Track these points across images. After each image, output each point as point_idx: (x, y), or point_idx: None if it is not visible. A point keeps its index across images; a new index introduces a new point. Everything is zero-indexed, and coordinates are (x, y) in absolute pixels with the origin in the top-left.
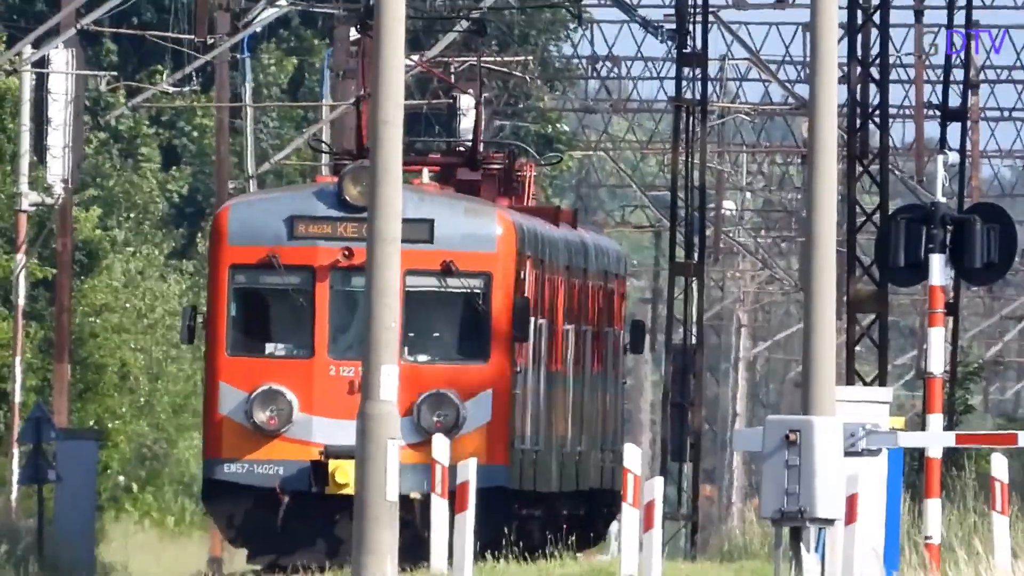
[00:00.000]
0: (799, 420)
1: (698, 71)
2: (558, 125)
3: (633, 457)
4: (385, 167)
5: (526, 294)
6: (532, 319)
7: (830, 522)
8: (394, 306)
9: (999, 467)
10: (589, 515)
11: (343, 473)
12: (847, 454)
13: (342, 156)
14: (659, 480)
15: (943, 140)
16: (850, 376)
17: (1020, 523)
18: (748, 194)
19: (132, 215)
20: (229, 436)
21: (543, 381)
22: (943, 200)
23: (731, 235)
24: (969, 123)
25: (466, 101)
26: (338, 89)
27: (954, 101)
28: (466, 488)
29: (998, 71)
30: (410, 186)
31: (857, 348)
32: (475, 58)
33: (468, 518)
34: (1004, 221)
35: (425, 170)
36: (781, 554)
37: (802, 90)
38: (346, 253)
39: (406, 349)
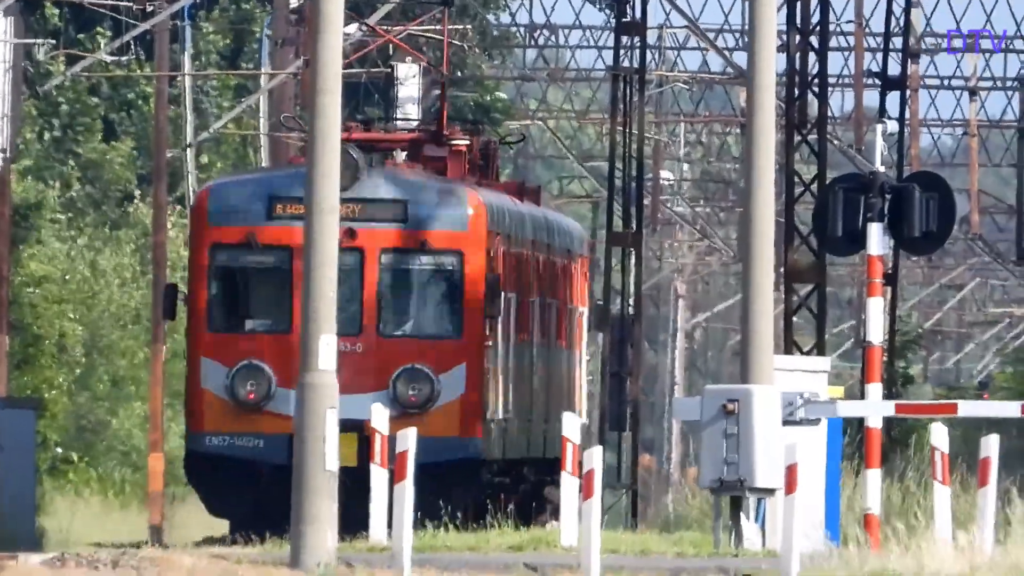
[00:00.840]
0: (737, 390)
1: (636, 40)
2: (496, 94)
3: (571, 426)
4: (323, 136)
5: (496, 271)
6: (502, 293)
7: (770, 492)
8: (332, 276)
9: (939, 437)
10: (556, 482)
11: None
12: (786, 423)
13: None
14: (598, 449)
15: (882, 109)
16: (788, 346)
17: (962, 493)
18: (686, 164)
19: (72, 185)
20: (211, 410)
21: (512, 353)
22: (882, 169)
23: (669, 205)
24: (908, 92)
25: (404, 70)
26: (277, 57)
27: (894, 70)
28: (404, 458)
29: (938, 39)
30: (384, 167)
31: (795, 318)
32: (416, 26)
33: (407, 488)
34: (943, 190)
35: (399, 150)
36: (720, 524)
37: (741, 59)
38: None
39: (381, 325)
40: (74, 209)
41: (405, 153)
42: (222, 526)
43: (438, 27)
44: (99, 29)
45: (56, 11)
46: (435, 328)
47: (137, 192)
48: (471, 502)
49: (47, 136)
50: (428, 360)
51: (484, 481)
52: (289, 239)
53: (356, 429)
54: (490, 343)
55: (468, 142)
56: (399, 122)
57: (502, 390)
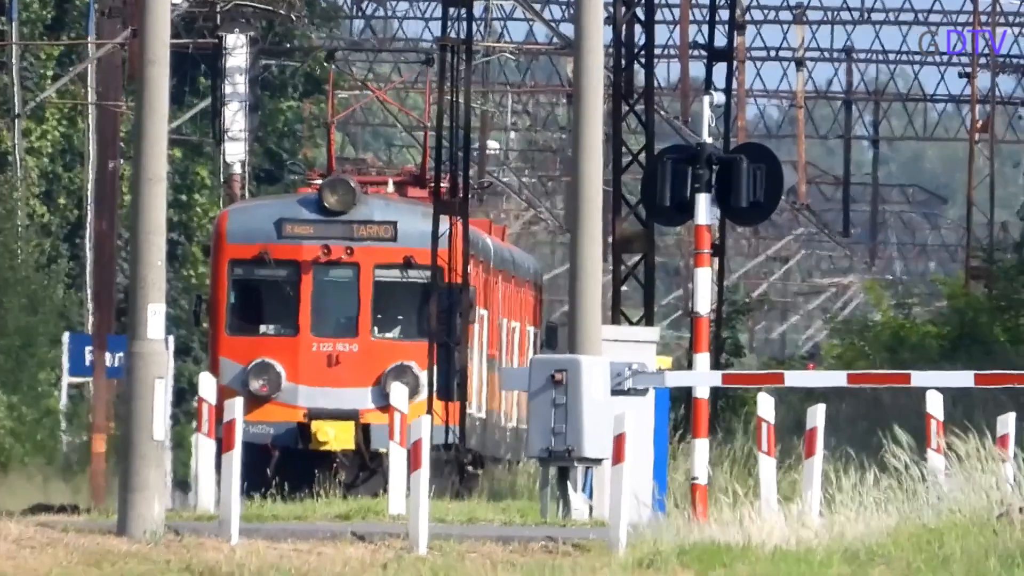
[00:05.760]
0: (565, 359)
1: (463, 11)
2: (325, 64)
3: (399, 396)
4: (151, 106)
5: (471, 287)
6: (477, 308)
7: (597, 461)
8: (160, 244)
9: (765, 407)
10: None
11: (323, 432)
12: (614, 393)
13: (313, 177)
14: (426, 419)
15: (709, 80)
16: (616, 316)
17: (787, 464)
18: (513, 134)
19: None
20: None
21: (484, 362)
22: (709, 140)
23: (495, 175)
24: (735, 63)
25: (232, 40)
26: (104, 27)
27: (720, 41)
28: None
29: (764, 11)
30: (378, 194)
31: (623, 288)
32: None
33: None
34: (770, 161)
35: (390, 181)
36: (548, 494)
37: (567, 30)
38: (325, 250)
39: (375, 328)
40: None
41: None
42: (53, 496)
43: None
44: None
45: None
46: (420, 331)
47: None
48: (451, 482)
49: None
50: (414, 358)
51: (462, 465)
52: (297, 255)
53: (353, 418)
54: (468, 348)
55: (446, 185)
56: (387, 169)
57: (476, 391)
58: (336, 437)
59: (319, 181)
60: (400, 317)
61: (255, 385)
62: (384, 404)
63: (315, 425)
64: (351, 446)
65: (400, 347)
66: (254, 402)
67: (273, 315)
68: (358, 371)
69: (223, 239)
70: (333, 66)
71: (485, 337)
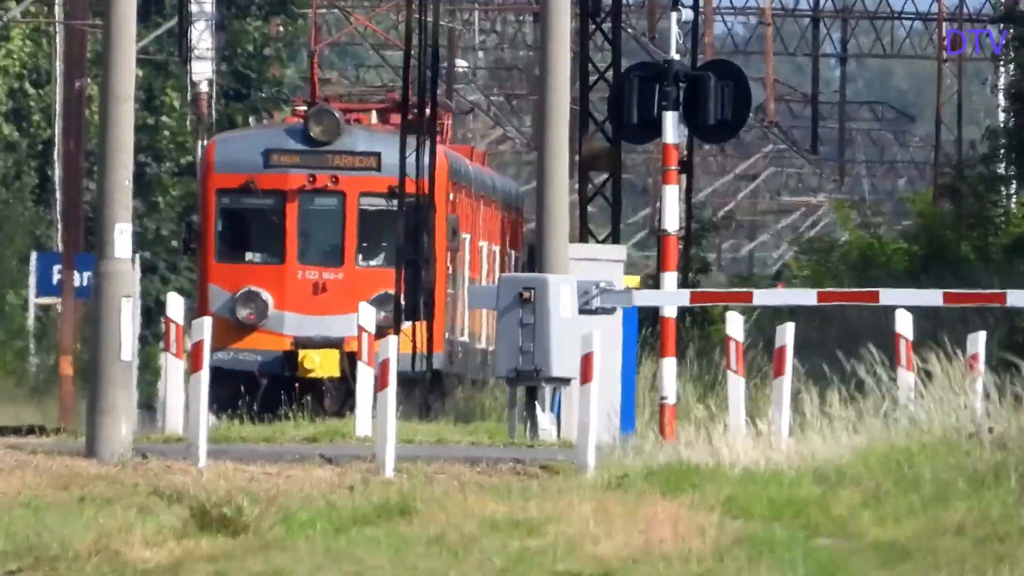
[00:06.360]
0: (533, 278)
1: None
2: None
3: (367, 317)
4: (118, 25)
5: (455, 213)
6: (459, 233)
7: (565, 381)
8: (127, 164)
9: (734, 326)
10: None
11: (310, 360)
12: (582, 312)
13: (298, 104)
14: (393, 339)
15: None
16: (583, 235)
17: (756, 383)
18: (480, 53)
19: None
20: (217, 329)
21: (466, 287)
22: (676, 57)
23: (462, 94)
24: None
25: None
26: None
27: None
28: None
29: None
30: (361, 125)
31: (590, 207)
32: None
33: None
34: (738, 78)
35: (373, 112)
36: (516, 414)
37: None
38: (310, 179)
39: (359, 256)
40: None
41: (376, 117)
42: (21, 418)
43: None
44: None
45: None
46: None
47: None
48: (432, 406)
49: None
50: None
51: (443, 390)
52: (283, 184)
53: (338, 345)
54: (451, 272)
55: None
56: (368, 92)
57: (459, 314)
58: (322, 364)
59: (304, 108)
60: (384, 245)
61: (243, 313)
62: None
63: (302, 353)
64: (337, 373)
65: (385, 275)
66: (242, 330)
67: (260, 243)
68: (344, 299)
69: (211, 168)
70: None
71: (467, 261)
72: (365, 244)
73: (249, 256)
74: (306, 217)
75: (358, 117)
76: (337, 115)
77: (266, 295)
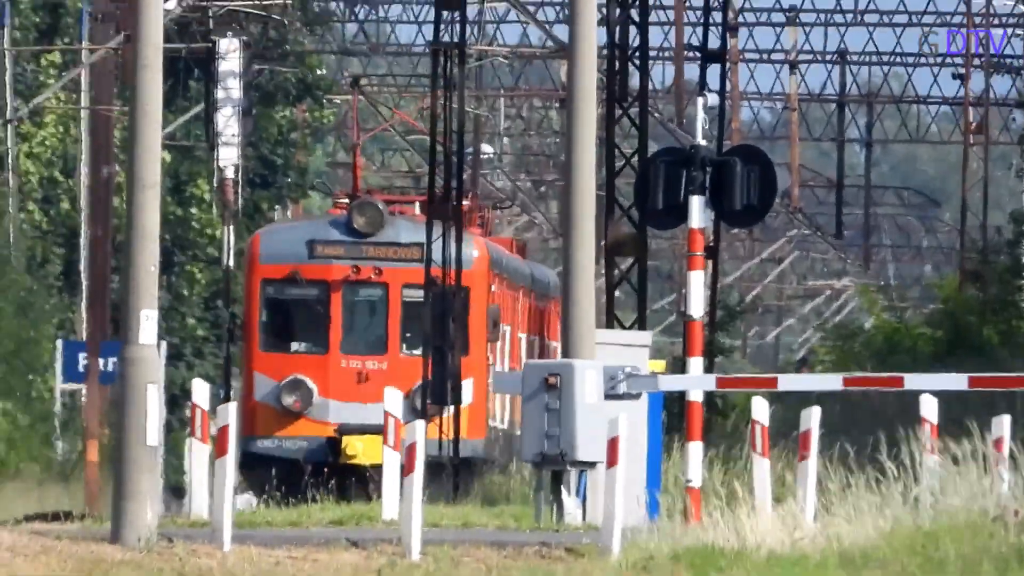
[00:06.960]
0: (559, 363)
1: (456, 14)
2: (318, 71)
3: (394, 402)
4: (144, 111)
5: (496, 303)
6: (500, 325)
7: (591, 465)
8: (154, 250)
9: (760, 410)
10: None
11: (352, 447)
12: (608, 397)
13: (340, 196)
14: (420, 423)
15: (703, 82)
16: (610, 320)
17: (781, 465)
18: (506, 139)
19: None
20: (262, 417)
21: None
22: (703, 142)
23: (489, 179)
24: (728, 65)
25: (225, 44)
26: (97, 32)
27: (714, 43)
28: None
29: (757, 13)
30: (405, 216)
31: (616, 292)
32: (237, 1)
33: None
34: (763, 163)
35: (417, 203)
36: (542, 498)
37: (561, 32)
38: (354, 269)
39: (403, 346)
40: None
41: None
42: (48, 503)
43: (258, 1)
44: None
45: None
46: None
47: None
48: (456, 489)
49: None
50: None
51: (481, 476)
52: (327, 275)
53: (381, 432)
54: (492, 362)
55: (469, 204)
56: (412, 191)
57: (499, 402)
58: (364, 451)
59: (346, 201)
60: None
61: (288, 400)
62: (412, 418)
63: (345, 440)
64: (380, 460)
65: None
66: (287, 417)
67: (304, 333)
68: (387, 387)
69: (256, 259)
70: (360, 95)
71: (507, 351)
72: (408, 334)
73: (294, 346)
74: (350, 307)
75: (401, 209)
76: (380, 207)
77: (311, 383)
